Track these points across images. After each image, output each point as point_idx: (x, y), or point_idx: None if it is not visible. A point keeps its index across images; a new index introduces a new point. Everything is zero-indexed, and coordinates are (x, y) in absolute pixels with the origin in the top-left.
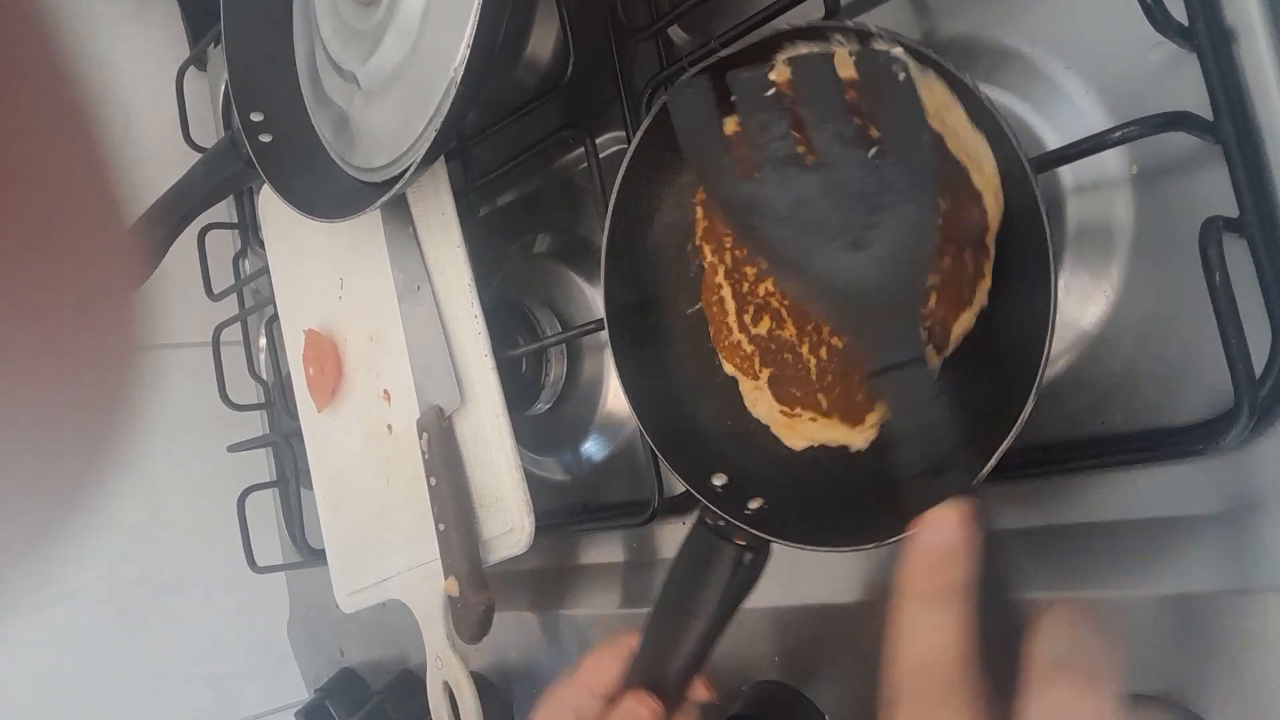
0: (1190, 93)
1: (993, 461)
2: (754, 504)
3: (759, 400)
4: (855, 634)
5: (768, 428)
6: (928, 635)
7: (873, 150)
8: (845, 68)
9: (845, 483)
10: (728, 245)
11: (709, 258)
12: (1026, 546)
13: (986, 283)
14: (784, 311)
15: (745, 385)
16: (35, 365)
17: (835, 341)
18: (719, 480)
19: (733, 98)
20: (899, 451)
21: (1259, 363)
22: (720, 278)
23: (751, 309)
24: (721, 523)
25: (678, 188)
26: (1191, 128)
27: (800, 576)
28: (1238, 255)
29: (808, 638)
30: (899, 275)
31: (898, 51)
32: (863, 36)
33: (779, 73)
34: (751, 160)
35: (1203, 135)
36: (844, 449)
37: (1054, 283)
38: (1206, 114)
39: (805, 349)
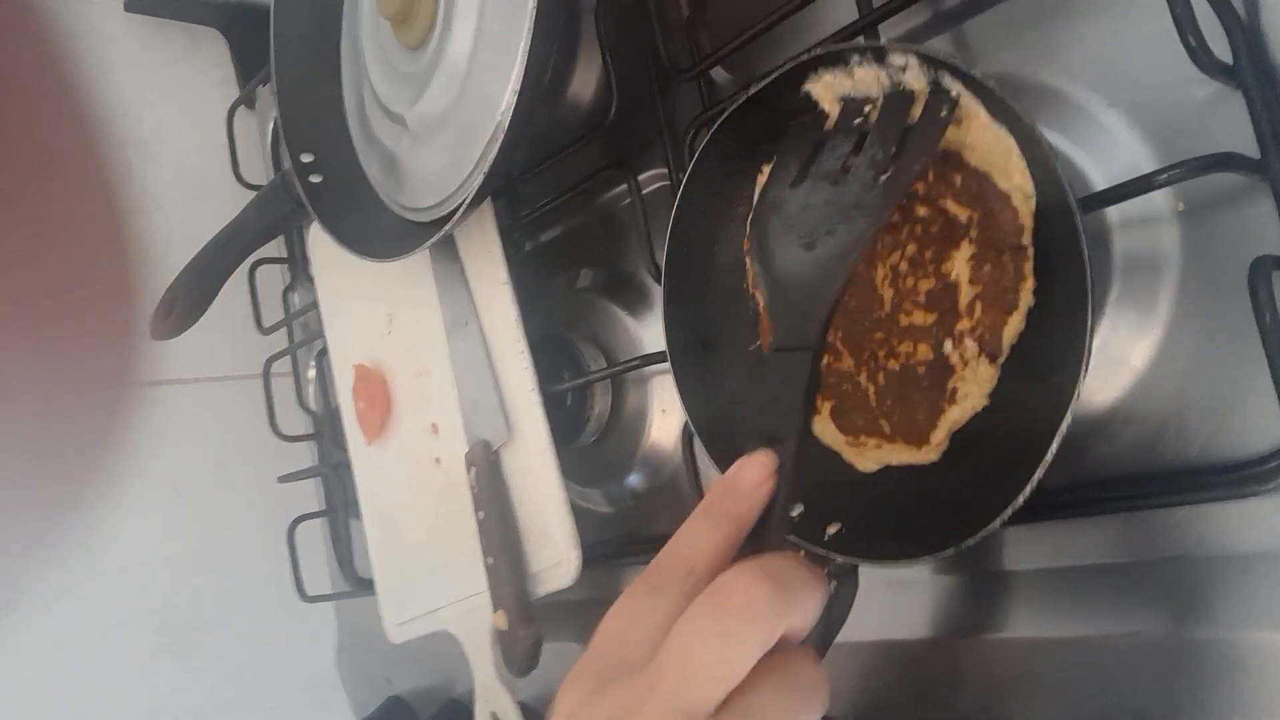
0: (1237, 129)
1: (1039, 473)
2: (832, 529)
3: (824, 430)
4: (914, 670)
5: (838, 454)
6: (696, 536)
7: (884, 176)
8: (918, 105)
9: (921, 494)
10: None
11: (761, 302)
12: (1076, 584)
13: (1030, 283)
14: (839, 344)
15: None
16: (27, 404)
17: (892, 364)
18: (795, 510)
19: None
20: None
21: None
22: None
23: None
24: (803, 553)
25: (728, 230)
26: (1238, 168)
27: (859, 612)
28: None
29: (866, 674)
30: (821, 277)
31: (956, 93)
32: (878, 54)
33: (872, 107)
34: (806, 173)
35: (1250, 175)
36: (915, 465)
37: (1090, 289)
38: (1253, 151)
39: (864, 378)
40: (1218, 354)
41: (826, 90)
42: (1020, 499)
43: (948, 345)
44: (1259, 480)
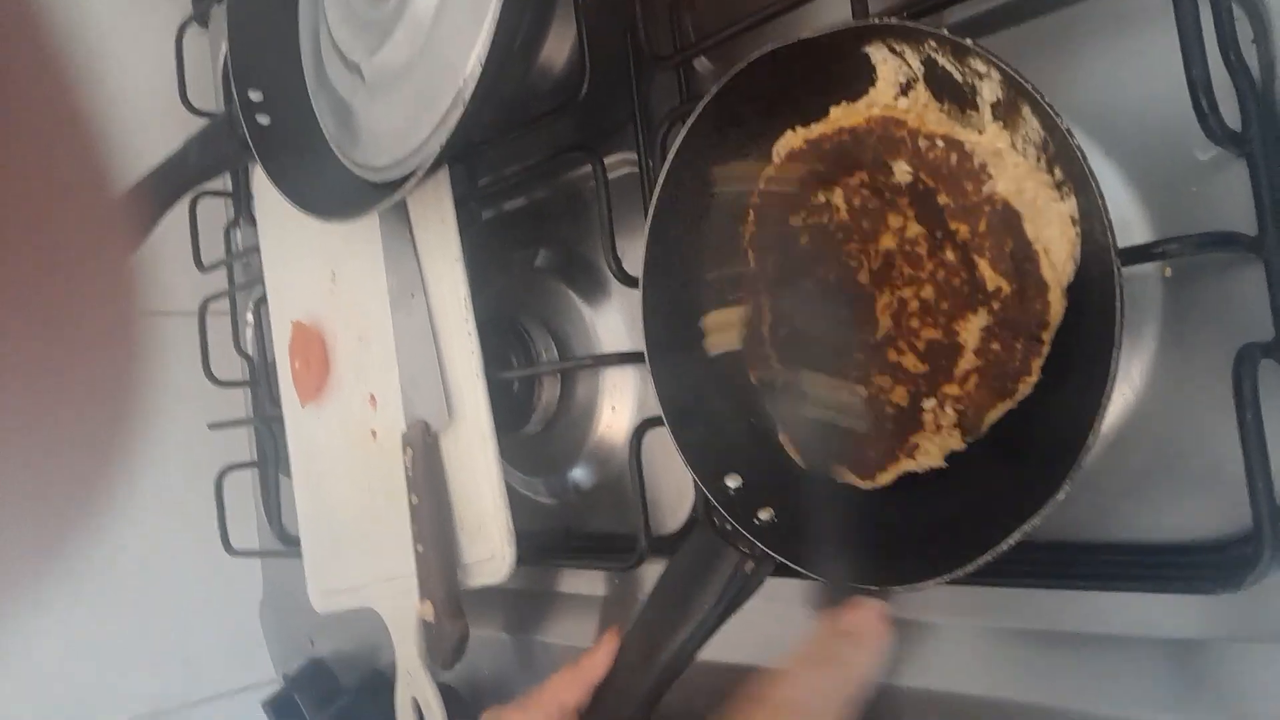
0: (1236, 198)
1: (985, 557)
2: (763, 514)
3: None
4: None
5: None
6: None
7: None
8: None
9: (857, 518)
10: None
11: (753, 264)
12: (997, 645)
13: (1032, 379)
14: None
15: (767, 400)
16: (35, 339)
17: (860, 390)
18: (733, 482)
19: None
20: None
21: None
22: (761, 285)
23: (786, 329)
24: (729, 527)
25: (739, 170)
26: (1236, 248)
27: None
28: (1268, 375)
29: None
30: None
31: None
32: (959, 50)
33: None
34: None
35: (1245, 253)
36: (851, 485)
37: (1105, 400)
38: (1250, 225)
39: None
40: (1190, 427)
41: (888, 60)
42: (962, 572)
43: (929, 403)
44: (1217, 579)
